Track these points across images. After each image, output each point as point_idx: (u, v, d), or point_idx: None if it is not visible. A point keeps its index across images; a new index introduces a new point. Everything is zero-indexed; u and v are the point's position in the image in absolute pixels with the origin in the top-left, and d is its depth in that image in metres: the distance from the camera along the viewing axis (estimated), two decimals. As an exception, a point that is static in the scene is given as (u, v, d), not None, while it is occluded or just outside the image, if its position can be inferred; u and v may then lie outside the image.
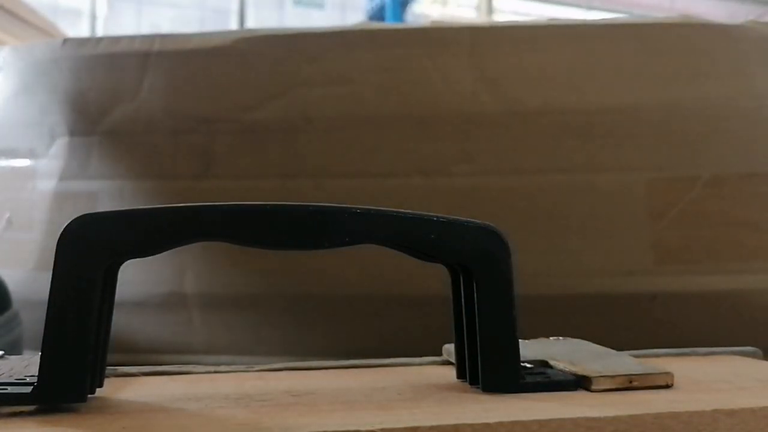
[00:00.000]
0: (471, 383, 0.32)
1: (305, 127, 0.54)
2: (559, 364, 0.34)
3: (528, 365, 0.33)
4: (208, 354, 0.58)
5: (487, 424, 0.25)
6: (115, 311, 0.31)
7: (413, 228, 0.30)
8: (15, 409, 0.27)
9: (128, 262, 0.29)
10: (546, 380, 0.32)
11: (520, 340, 0.31)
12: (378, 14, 2.92)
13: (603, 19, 0.61)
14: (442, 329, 0.36)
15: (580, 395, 0.30)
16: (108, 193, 0.60)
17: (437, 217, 0.30)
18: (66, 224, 0.28)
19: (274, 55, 0.57)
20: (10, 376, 0.30)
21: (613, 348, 0.38)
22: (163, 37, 0.60)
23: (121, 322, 0.52)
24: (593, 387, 0.31)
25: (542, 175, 0.54)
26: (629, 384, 0.31)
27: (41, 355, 0.27)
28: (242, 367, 0.38)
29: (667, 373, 0.32)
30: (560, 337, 0.39)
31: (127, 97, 0.59)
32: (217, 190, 0.56)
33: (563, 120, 0.55)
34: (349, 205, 0.30)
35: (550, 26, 0.57)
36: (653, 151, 0.55)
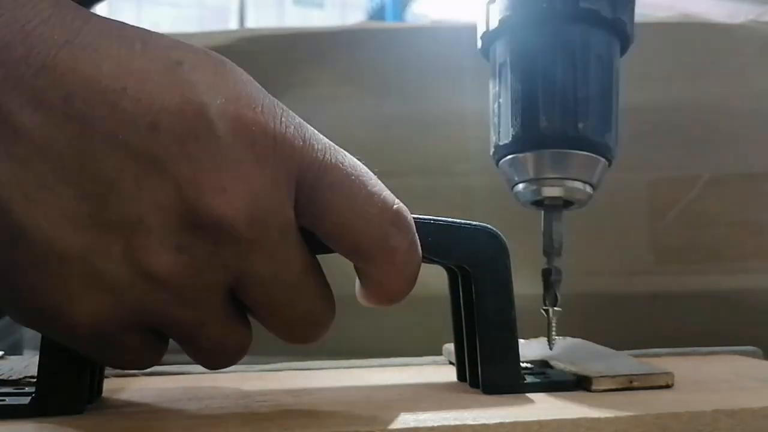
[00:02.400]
0: (471, 384, 0.32)
1: (305, 127, 0.54)
2: (560, 364, 0.34)
3: (528, 365, 0.33)
4: (208, 354, 0.58)
5: (487, 425, 0.25)
6: (115, 311, 0.31)
7: (412, 229, 0.30)
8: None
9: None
10: (546, 380, 0.32)
11: (520, 340, 0.31)
12: (378, 14, 2.92)
13: (603, 19, 0.61)
14: (442, 329, 0.36)
15: (581, 395, 0.30)
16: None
17: (434, 219, 0.30)
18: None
19: (274, 55, 0.57)
20: (10, 376, 0.30)
21: (613, 348, 0.38)
22: (163, 36, 0.60)
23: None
24: (594, 387, 0.31)
25: (542, 175, 0.54)
26: (629, 384, 0.31)
27: (38, 367, 0.27)
28: (242, 367, 0.38)
29: (668, 373, 0.32)
30: (560, 337, 0.39)
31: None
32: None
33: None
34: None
35: (550, 26, 0.57)
36: (653, 151, 0.55)
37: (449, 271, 0.34)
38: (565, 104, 0.33)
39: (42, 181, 0.22)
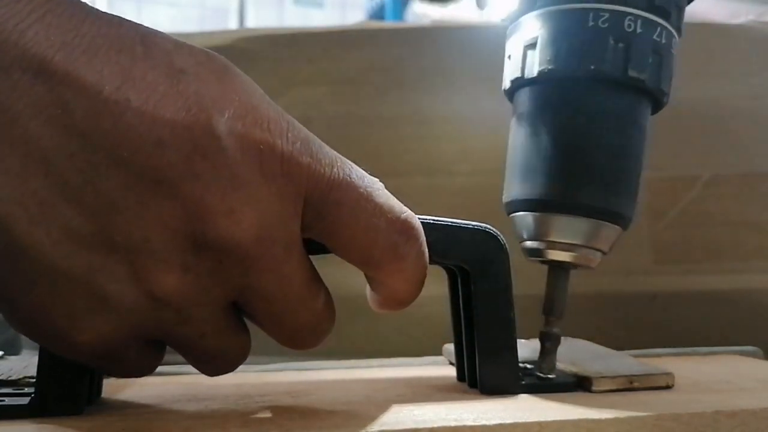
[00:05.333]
0: (471, 384, 0.32)
1: (305, 127, 0.54)
2: (560, 365, 0.34)
3: (528, 366, 0.33)
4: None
5: (487, 426, 0.25)
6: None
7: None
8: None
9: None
10: (546, 381, 0.32)
11: (519, 340, 0.31)
12: (378, 14, 2.91)
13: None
14: (442, 329, 0.36)
15: (581, 396, 0.30)
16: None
17: (433, 220, 0.30)
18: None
19: (274, 55, 0.57)
20: (9, 377, 0.30)
21: (613, 348, 0.38)
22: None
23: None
24: (594, 388, 0.31)
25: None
26: (630, 385, 0.31)
27: (38, 368, 0.27)
28: (242, 367, 0.37)
29: (668, 374, 0.32)
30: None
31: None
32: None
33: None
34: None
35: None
36: (653, 150, 0.54)
37: (449, 271, 0.33)
38: (570, 169, 0.31)
39: (42, 198, 0.21)
